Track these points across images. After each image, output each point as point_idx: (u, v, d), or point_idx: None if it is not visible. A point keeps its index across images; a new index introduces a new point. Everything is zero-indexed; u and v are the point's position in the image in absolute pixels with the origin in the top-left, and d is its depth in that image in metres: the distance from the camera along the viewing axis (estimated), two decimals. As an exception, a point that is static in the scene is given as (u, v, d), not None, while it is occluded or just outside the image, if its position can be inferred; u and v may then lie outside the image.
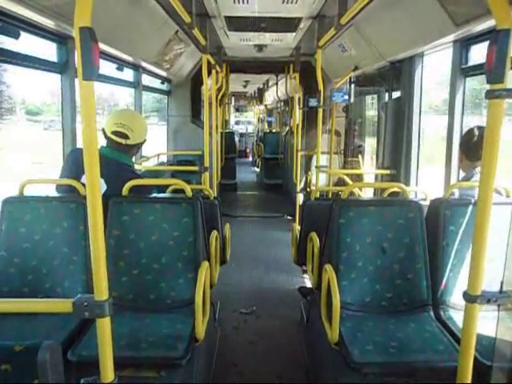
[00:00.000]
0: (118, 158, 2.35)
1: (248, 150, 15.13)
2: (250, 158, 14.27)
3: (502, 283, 1.16)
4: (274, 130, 11.50)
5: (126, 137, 2.33)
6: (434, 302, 2.13)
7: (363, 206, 2.24)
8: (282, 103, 11.35)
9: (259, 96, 12.55)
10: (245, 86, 11.68)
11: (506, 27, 1.00)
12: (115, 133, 2.33)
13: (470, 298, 1.13)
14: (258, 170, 11.16)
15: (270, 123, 14.43)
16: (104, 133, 2.36)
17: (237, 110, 19.18)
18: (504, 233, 1.66)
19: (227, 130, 10.42)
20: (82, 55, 0.98)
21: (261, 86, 11.54)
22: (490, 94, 1.05)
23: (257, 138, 12.30)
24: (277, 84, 8.96)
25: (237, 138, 13.79)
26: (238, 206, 7.60)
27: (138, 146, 2.46)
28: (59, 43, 2.60)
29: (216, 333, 2.84)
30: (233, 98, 16.33)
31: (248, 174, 11.43)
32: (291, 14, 3.56)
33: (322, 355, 2.22)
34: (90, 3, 0.98)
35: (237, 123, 18.68)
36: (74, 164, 2.25)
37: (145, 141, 2.49)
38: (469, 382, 1.15)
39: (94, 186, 1.05)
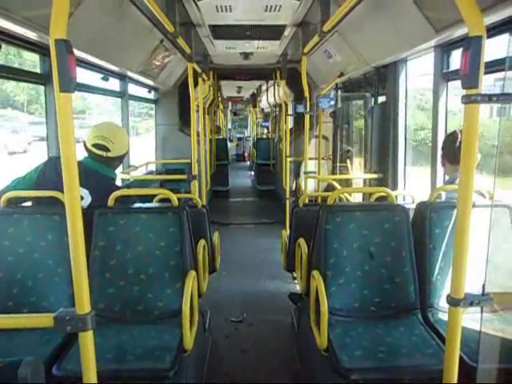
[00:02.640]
0: (101, 169, 2.34)
1: (246, 154, 15.23)
2: (248, 163, 14.32)
3: (483, 285, 1.17)
4: (267, 136, 11.53)
5: (106, 149, 2.33)
6: (422, 305, 2.14)
7: (349, 211, 2.25)
8: (276, 108, 11.47)
9: (253, 101, 12.62)
10: (238, 92, 11.75)
11: (478, 34, 1.02)
12: (96, 145, 2.33)
13: (453, 301, 1.14)
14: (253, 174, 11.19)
15: (266, 128, 14.49)
16: (85, 145, 2.35)
17: (234, 114, 19.28)
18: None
19: (220, 137, 10.43)
20: (58, 67, 0.98)
21: (255, 91, 11.60)
22: (465, 99, 1.07)
23: (253, 142, 12.35)
24: (267, 90, 9.01)
25: (230, 145, 13.85)
26: (230, 213, 7.58)
27: (120, 159, 2.45)
28: (42, 54, 2.59)
29: (206, 342, 2.81)
30: (230, 103, 16.43)
31: (244, 178, 11.40)
32: (275, 22, 3.59)
33: (312, 362, 2.21)
34: (65, 15, 0.98)
35: (235, 127, 18.76)
36: (56, 175, 2.21)
37: (127, 153, 2.49)
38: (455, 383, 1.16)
39: (73, 198, 1.04)
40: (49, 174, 2.25)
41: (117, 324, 2.05)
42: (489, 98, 1.03)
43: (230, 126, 18.12)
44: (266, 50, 4.90)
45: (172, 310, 2.10)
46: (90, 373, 1.11)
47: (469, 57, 1.02)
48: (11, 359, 1.02)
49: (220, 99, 11.06)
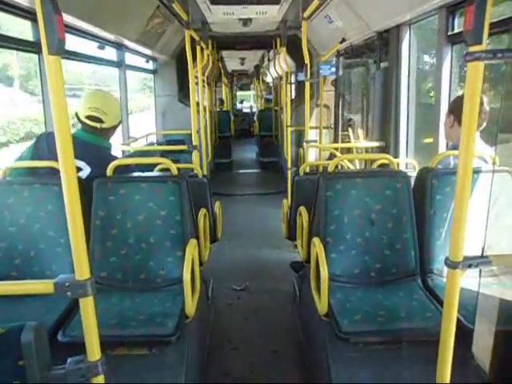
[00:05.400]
0: (95, 141, 2.31)
1: (252, 129, 15.04)
2: (254, 138, 14.19)
3: (482, 248, 1.16)
4: (270, 108, 11.39)
5: (100, 121, 2.29)
6: (422, 270, 2.15)
7: (350, 178, 2.23)
8: (281, 81, 11.29)
9: (257, 73, 12.37)
10: (242, 64, 11.53)
11: None
12: (89, 117, 2.29)
13: (451, 263, 1.13)
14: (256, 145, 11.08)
15: (268, 100, 14.28)
16: (77, 117, 2.31)
17: (240, 88, 19.05)
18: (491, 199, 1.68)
19: (223, 109, 10.30)
20: (46, 29, 0.95)
21: (258, 63, 11.39)
22: (469, 56, 1.02)
23: (256, 114, 12.19)
24: (269, 61, 8.84)
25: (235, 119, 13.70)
26: (233, 184, 7.57)
27: (114, 128, 2.42)
28: (34, 21, 2.52)
29: (209, 310, 2.86)
30: (235, 78, 16.23)
31: (250, 152, 11.26)
32: None
33: (314, 327, 2.25)
34: None
35: (241, 102, 18.52)
36: (51, 147, 2.19)
37: (121, 122, 2.46)
38: (451, 345, 1.17)
39: (68, 165, 1.03)
40: (41, 151, 2.24)
41: (119, 292, 2.08)
42: (493, 55, 0.99)
43: (236, 101, 17.88)
44: (265, 16, 4.76)
45: (174, 277, 2.12)
46: (92, 337, 1.13)
47: (473, 11, 0.98)
48: (14, 324, 1.04)
49: (223, 73, 10.85)
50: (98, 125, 2.29)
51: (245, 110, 16.74)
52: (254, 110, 16.24)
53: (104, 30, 3.30)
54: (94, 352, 1.13)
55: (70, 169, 1.04)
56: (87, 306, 1.10)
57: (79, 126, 2.34)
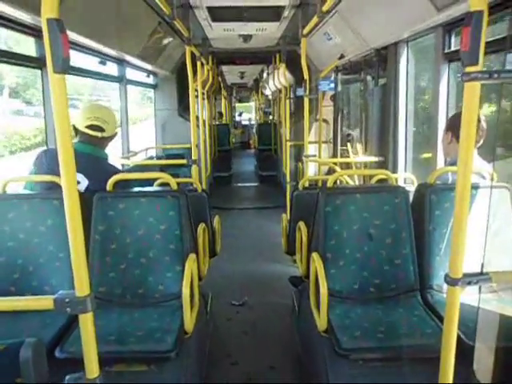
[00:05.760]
0: (93, 152, 2.34)
1: (251, 142, 15.13)
2: (253, 150, 14.26)
3: (482, 265, 1.16)
4: (269, 121, 11.46)
5: (101, 130, 2.33)
6: (422, 286, 2.15)
7: (349, 193, 2.24)
8: (280, 94, 11.40)
9: (256, 87, 12.47)
10: (241, 78, 11.67)
11: (479, 9, 0.99)
12: (90, 127, 2.31)
13: (451, 280, 1.14)
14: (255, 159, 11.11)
15: (267, 113, 14.36)
16: (75, 128, 2.33)
17: (239, 100, 19.22)
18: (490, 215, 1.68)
19: (222, 123, 10.35)
20: (51, 48, 0.97)
21: (257, 77, 11.52)
22: (465, 77, 1.04)
23: (255, 127, 12.27)
24: (268, 75, 8.94)
25: (235, 132, 13.78)
26: (232, 198, 7.58)
27: (111, 138, 2.45)
28: (38, 37, 2.55)
29: (208, 325, 2.84)
30: (234, 90, 16.40)
31: (249, 165, 11.27)
32: (274, 3, 3.53)
33: (313, 343, 2.24)
34: None
35: (240, 114, 18.67)
36: (51, 163, 2.21)
37: (116, 133, 2.49)
38: (452, 362, 1.17)
39: (70, 181, 1.04)
40: (40, 168, 2.27)
41: (118, 307, 2.07)
42: (489, 75, 1.01)
43: (235, 113, 18.01)
44: (265, 33, 4.83)
45: (173, 292, 2.11)
46: (91, 354, 1.12)
47: (469, 32, 1.00)
48: (13, 340, 1.03)
49: (223, 85, 10.97)
50: (99, 134, 2.32)
51: (244, 123, 16.85)
52: (253, 122, 16.37)
53: (106, 46, 3.35)
54: (92, 369, 1.12)
55: (71, 184, 1.05)
56: (86, 322, 1.10)
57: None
